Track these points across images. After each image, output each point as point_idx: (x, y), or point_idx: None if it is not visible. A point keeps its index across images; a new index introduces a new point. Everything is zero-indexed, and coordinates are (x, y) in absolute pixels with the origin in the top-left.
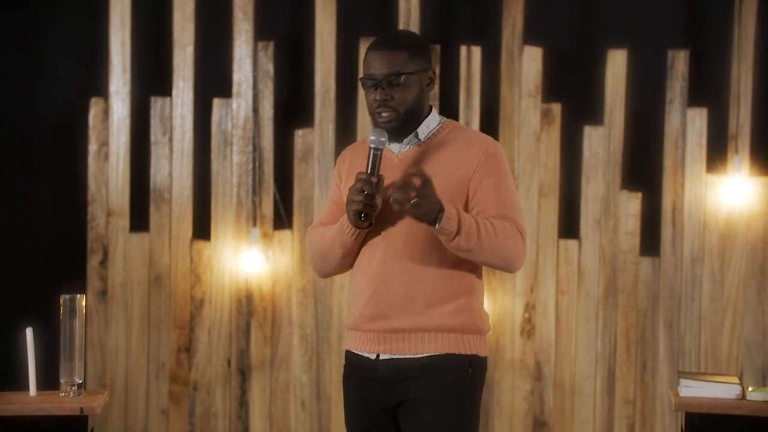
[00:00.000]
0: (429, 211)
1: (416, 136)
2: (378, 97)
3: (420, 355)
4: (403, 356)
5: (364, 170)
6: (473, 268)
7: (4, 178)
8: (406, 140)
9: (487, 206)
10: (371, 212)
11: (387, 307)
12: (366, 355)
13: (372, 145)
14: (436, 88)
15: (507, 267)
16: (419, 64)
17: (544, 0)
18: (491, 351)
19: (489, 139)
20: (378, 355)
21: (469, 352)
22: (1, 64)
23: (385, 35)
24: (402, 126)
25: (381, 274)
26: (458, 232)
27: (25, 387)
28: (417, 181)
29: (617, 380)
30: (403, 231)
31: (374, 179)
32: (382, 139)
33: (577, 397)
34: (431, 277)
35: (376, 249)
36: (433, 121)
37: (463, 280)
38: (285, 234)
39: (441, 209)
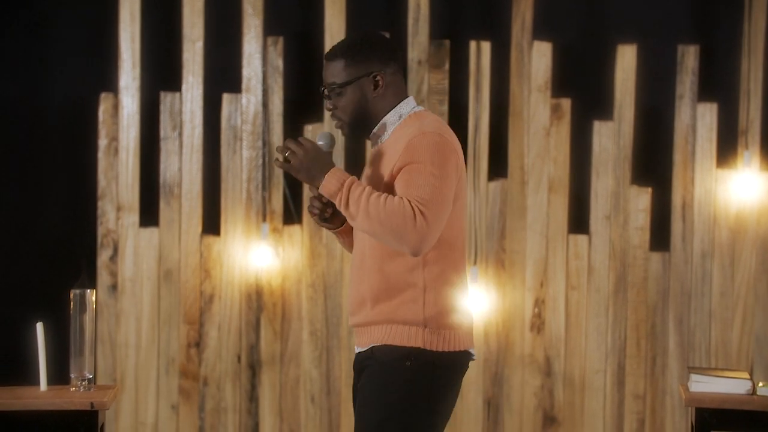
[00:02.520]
0: (307, 174)
1: (381, 136)
2: (328, 107)
3: (367, 347)
4: (360, 349)
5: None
6: (426, 262)
7: (14, 173)
8: (377, 140)
9: (399, 191)
10: (321, 214)
11: (349, 304)
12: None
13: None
14: (446, 84)
15: (399, 243)
16: (357, 70)
17: None
18: (500, 346)
19: (421, 128)
20: (357, 349)
21: (409, 344)
22: (11, 59)
23: (336, 44)
24: (354, 132)
25: (350, 274)
26: (341, 194)
27: (36, 382)
28: (292, 147)
29: (627, 375)
30: (359, 232)
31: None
32: (330, 142)
33: (587, 392)
34: (377, 275)
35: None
36: (394, 117)
37: (411, 275)
38: (295, 229)
39: (326, 173)
